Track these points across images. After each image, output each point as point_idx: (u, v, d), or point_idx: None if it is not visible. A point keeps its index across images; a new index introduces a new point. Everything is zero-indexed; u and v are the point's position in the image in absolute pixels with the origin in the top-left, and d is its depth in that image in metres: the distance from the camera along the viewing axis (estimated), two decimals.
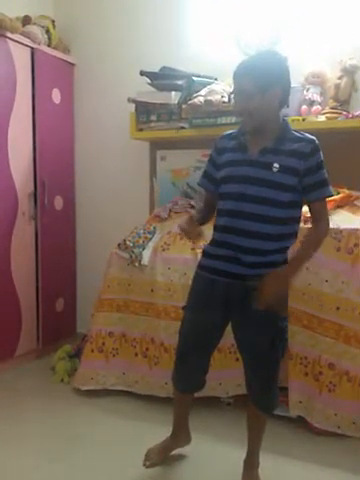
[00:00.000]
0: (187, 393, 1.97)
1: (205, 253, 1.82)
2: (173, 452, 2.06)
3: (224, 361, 2.38)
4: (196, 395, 2.03)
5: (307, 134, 1.69)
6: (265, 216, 1.65)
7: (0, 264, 2.90)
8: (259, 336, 1.71)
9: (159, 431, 2.09)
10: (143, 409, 2.45)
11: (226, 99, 2.64)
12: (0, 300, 2.89)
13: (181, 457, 2.07)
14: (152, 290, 2.52)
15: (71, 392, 2.62)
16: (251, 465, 1.89)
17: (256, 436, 1.87)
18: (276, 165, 1.63)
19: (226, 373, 2.38)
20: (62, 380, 2.77)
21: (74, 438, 2.22)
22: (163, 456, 2.02)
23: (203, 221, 1.87)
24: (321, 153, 1.67)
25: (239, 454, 1.92)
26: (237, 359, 2.30)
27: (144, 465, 1.98)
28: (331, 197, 1.78)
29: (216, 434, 2.24)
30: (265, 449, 1.92)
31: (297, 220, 1.74)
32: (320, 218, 1.72)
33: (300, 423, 2.27)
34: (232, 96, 1.76)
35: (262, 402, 1.81)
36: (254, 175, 1.66)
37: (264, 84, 1.58)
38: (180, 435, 2.05)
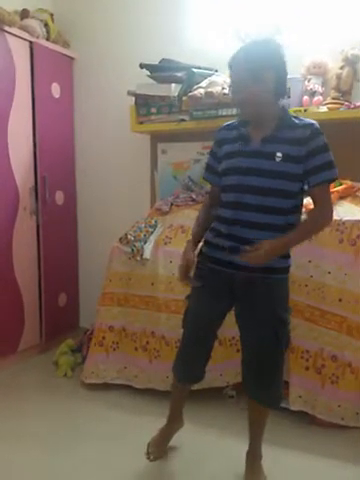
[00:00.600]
0: (187, 384, 1.97)
1: (209, 243, 1.79)
2: (173, 443, 2.07)
3: (225, 353, 2.38)
4: (198, 387, 2.03)
5: (307, 119, 1.66)
6: (271, 207, 1.62)
7: (2, 259, 2.90)
8: (262, 327, 1.70)
9: (159, 425, 2.09)
10: (143, 403, 2.46)
11: (227, 91, 2.61)
12: (3, 295, 2.90)
13: (185, 450, 2.07)
14: (153, 283, 2.51)
15: (74, 386, 2.63)
16: (253, 457, 1.89)
17: (258, 429, 1.87)
18: (279, 154, 1.60)
19: (227, 364, 2.38)
20: (65, 374, 2.78)
21: (76, 432, 2.22)
22: (165, 446, 2.05)
23: (205, 229, 1.85)
24: (323, 136, 1.61)
25: (242, 446, 1.92)
26: (237, 350, 2.31)
27: (148, 458, 1.99)
28: (334, 180, 1.67)
29: (219, 427, 2.24)
30: (266, 440, 1.92)
31: (297, 211, 1.71)
32: (322, 204, 1.66)
33: (301, 415, 2.26)
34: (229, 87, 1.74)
35: (266, 396, 1.77)
36: (257, 166, 1.63)
37: (256, 69, 1.56)
38: (174, 422, 2.07)
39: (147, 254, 2.56)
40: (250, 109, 1.63)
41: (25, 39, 2.98)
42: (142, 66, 2.88)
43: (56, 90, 3.26)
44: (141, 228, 2.67)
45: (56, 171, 3.28)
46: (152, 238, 2.63)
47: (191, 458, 2.02)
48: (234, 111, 2.57)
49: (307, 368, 2.24)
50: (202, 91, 2.62)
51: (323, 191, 1.64)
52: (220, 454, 2.05)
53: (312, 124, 1.62)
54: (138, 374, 2.52)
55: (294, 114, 1.71)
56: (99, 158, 3.44)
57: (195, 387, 2.13)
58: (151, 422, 2.25)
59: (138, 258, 2.55)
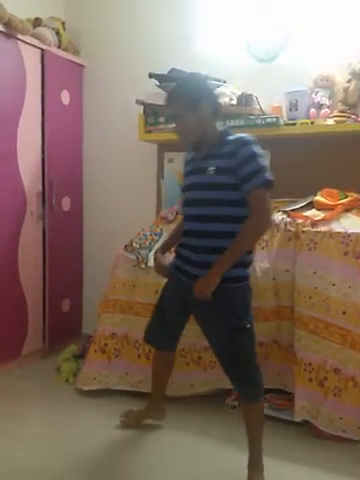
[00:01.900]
0: (155, 347, 2.18)
1: (176, 252, 2.01)
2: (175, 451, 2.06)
3: None
4: (201, 395, 2.19)
5: (242, 135, 1.79)
6: (210, 216, 1.78)
7: (8, 263, 2.92)
8: (217, 335, 1.84)
9: (161, 431, 2.08)
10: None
11: (234, 102, 2.64)
12: (7, 299, 2.91)
13: (185, 460, 2.06)
14: (157, 291, 2.50)
15: (76, 392, 2.63)
16: (254, 468, 1.88)
17: (253, 435, 1.88)
18: (211, 168, 1.76)
19: None
20: (67, 380, 2.78)
21: (76, 438, 2.21)
22: (135, 423, 2.26)
23: (174, 242, 2.08)
24: (251, 146, 1.72)
25: (243, 458, 1.91)
26: None
27: (120, 426, 2.24)
28: (266, 183, 1.72)
29: (220, 438, 2.22)
30: (269, 453, 1.91)
31: (239, 219, 1.75)
32: (256, 210, 1.72)
33: (305, 428, 2.25)
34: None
35: (241, 391, 1.90)
36: (196, 181, 1.84)
37: (192, 103, 1.78)
38: (153, 409, 2.25)
39: (152, 262, 2.57)
40: (193, 137, 1.84)
41: (37, 47, 3.03)
42: (151, 76, 2.91)
43: (65, 97, 3.30)
44: (146, 236, 2.68)
45: (63, 177, 3.31)
46: (157, 246, 2.63)
47: (192, 469, 2.00)
48: (242, 122, 2.60)
49: (310, 380, 2.23)
50: None
51: (256, 198, 1.72)
52: (222, 466, 2.03)
53: (241, 137, 1.76)
54: (143, 379, 2.50)
55: (231, 132, 1.85)
56: (106, 165, 3.46)
57: (199, 390, 2.27)
58: (150, 428, 2.25)
59: (143, 266, 2.56)
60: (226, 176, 1.73)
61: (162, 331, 2.11)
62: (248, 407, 1.88)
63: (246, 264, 1.83)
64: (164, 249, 2.14)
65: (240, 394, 1.93)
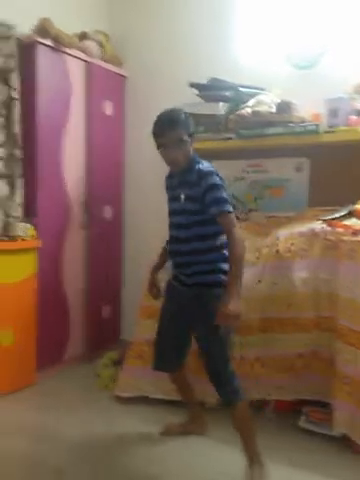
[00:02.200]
0: (165, 372, 2.24)
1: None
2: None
3: (267, 372, 2.37)
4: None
5: (202, 165, 1.96)
6: (184, 238, 1.99)
7: (53, 271, 3.02)
8: (205, 337, 2.00)
9: (200, 439, 2.07)
10: (179, 419, 2.43)
11: (274, 110, 2.62)
12: (51, 305, 3.01)
13: (219, 470, 2.04)
14: None
15: (114, 399, 2.65)
16: (252, 464, 1.94)
17: (242, 435, 1.98)
18: (182, 196, 1.98)
19: (269, 379, 2.37)
20: (106, 386, 2.82)
21: (113, 444, 2.24)
22: (177, 432, 2.30)
23: (163, 261, 2.26)
24: (213, 177, 1.90)
25: (275, 468, 1.89)
26: (279, 370, 2.33)
27: (160, 433, 2.28)
28: (225, 212, 1.88)
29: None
30: (304, 467, 1.88)
31: (210, 237, 1.97)
32: (227, 233, 1.90)
33: (345, 443, 2.18)
34: (161, 149, 1.99)
35: (219, 395, 2.01)
36: (173, 207, 2.06)
37: (191, 130, 1.98)
38: (192, 422, 2.31)
39: None
40: (184, 163, 1.97)
41: (82, 59, 3.13)
42: (192, 85, 2.95)
43: (108, 108, 3.39)
44: None
45: (105, 186, 3.39)
46: None
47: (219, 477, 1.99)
48: (280, 130, 2.57)
49: (349, 393, 2.15)
50: (249, 110, 2.64)
51: (224, 221, 1.90)
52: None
53: (199, 170, 1.94)
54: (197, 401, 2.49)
55: (198, 159, 1.99)
56: (146, 174, 3.51)
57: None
58: (188, 438, 2.25)
59: None
60: (193, 203, 1.95)
61: (169, 355, 2.18)
62: (232, 409, 1.98)
63: (224, 271, 1.97)
64: (156, 269, 2.29)
65: (222, 397, 2.01)
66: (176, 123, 1.94)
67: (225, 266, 1.95)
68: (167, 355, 2.19)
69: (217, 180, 1.91)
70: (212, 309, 1.87)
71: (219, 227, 1.94)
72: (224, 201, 1.89)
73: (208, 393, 2.26)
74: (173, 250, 2.10)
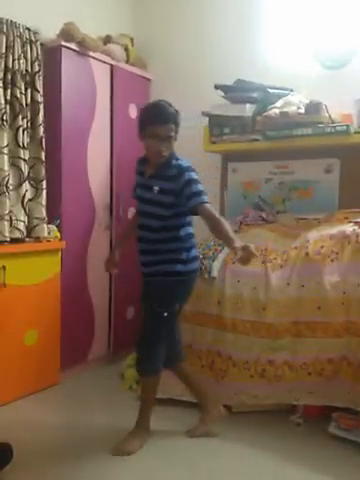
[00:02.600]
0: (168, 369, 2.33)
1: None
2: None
3: (296, 376, 2.32)
4: (271, 402, 2.32)
5: (181, 161, 2.08)
6: (148, 227, 2.13)
7: (78, 272, 3.03)
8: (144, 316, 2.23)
9: (222, 444, 2.04)
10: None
11: (302, 111, 2.59)
12: (76, 306, 3.02)
13: (248, 476, 2.01)
14: (219, 302, 2.50)
15: (139, 400, 2.64)
16: (138, 426, 2.22)
17: (143, 402, 2.24)
18: (156, 188, 2.07)
19: (298, 383, 2.33)
20: (130, 387, 2.82)
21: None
22: (205, 430, 2.30)
23: (129, 236, 2.40)
24: (188, 173, 2.02)
25: (305, 475, 1.84)
26: (309, 374, 2.28)
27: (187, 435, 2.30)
28: (204, 203, 2.00)
29: (283, 454, 2.15)
30: (331, 474, 1.82)
31: (178, 227, 2.13)
32: (209, 216, 2.00)
33: None
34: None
35: (138, 364, 2.23)
36: (143, 195, 2.15)
37: (177, 126, 2.07)
38: (208, 410, 2.34)
39: (215, 272, 2.56)
40: (164, 158, 2.06)
41: (107, 63, 3.15)
42: (217, 87, 2.93)
43: (133, 111, 3.39)
44: (210, 246, 2.68)
45: (130, 188, 3.37)
46: (221, 256, 2.63)
47: None
48: (309, 131, 2.54)
49: None
50: (277, 111, 2.61)
51: (203, 209, 2.01)
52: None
53: (179, 166, 2.05)
54: (206, 391, 2.49)
55: (175, 156, 2.09)
56: None
57: (263, 402, 2.30)
58: (215, 442, 2.23)
59: (206, 276, 2.56)
60: (168, 196, 2.05)
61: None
62: (142, 381, 2.27)
63: (183, 261, 2.13)
64: (117, 245, 2.49)
65: (137, 367, 2.24)
66: (169, 118, 2.02)
67: (186, 255, 2.14)
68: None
69: (195, 175, 2.04)
70: (165, 291, 2.11)
71: (186, 219, 2.13)
72: (202, 193, 2.02)
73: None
74: (142, 237, 2.20)
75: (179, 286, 2.18)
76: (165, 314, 2.14)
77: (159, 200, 2.08)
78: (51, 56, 2.85)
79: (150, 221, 2.13)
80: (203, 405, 2.36)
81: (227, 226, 1.96)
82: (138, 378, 2.81)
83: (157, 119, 2.02)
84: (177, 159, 2.09)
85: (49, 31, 2.82)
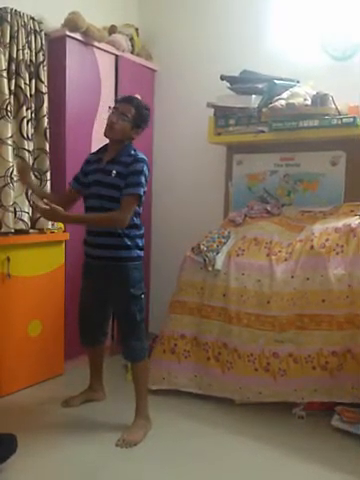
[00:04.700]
0: (89, 346, 2.53)
1: (85, 240, 2.34)
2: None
3: (301, 370, 2.32)
4: (272, 400, 2.32)
5: (139, 153, 2.23)
6: (106, 208, 2.18)
7: (81, 264, 3.00)
8: (117, 301, 2.29)
9: (225, 436, 2.05)
10: (211, 412, 2.44)
11: (309, 102, 2.56)
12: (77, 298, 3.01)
13: (251, 469, 2.02)
14: (224, 295, 2.50)
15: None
16: (136, 413, 2.26)
17: (138, 389, 2.27)
18: (114, 172, 2.19)
19: (303, 380, 2.32)
20: None
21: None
22: (76, 403, 2.52)
23: (52, 198, 2.35)
24: (141, 164, 2.17)
25: (308, 468, 1.84)
26: (314, 368, 2.28)
27: (62, 405, 2.50)
28: (134, 195, 2.14)
29: (286, 447, 2.15)
30: (335, 468, 1.83)
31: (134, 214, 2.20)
32: (122, 209, 2.14)
33: None
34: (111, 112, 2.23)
35: (131, 351, 2.27)
36: (99, 179, 2.23)
37: (137, 119, 2.22)
38: (93, 390, 2.58)
39: (219, 265, 2.56)
40: (114, 132, 2.21)
41: (111, 53, 3.12)
42: (223, 78, 2.91)
43: None
44: (214, 239, 2.67)
45: None
46: (225, 249, 2.62)
47: (259, 477, 1.97)
48: (316, 123, 2.52)
49: None
50: (283, 102, 2.59)
51: (126, 201, 2.15)
52: (284, 474, 1.97)
53: (136, 155, 2.21)
54: (212, 383, 2.50)
55: (136, 148, 2.24)
56: (175, 167, 3.50)
57: (268, 400, 2.26)
58: (219, 434, 2.23)
59: (210, 268, 2.55)
60: (122, 180, 2.17)
61: (92, 330, 2.46)
62: (136, 366, 2.28)
63: (141, 248, 2.29)
64: (40, 193, 2.48)
65: (129, 355, 2.28)
66: (131, 103, 2.21)
67: (141, 242, 2.27)
68: (90, 331, 2.46)
69: (145, 168, 2.19)
70: (135, 280, 2.22)
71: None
72: (140, 186, 2.15)
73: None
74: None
75: (141, 269, 2.33)
76: (142, 295, 2.27)
77: (115, 184, 2.19)
78: (56, 46, 2.84)
79: (109, 204, 2.20)
80: (94, 383, 2.59)
81: (100, 223, 2.18)
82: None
83: (121, 98, 2.29)
84: (135, 150, 2.24)
85: (54, 21, 2.80)
